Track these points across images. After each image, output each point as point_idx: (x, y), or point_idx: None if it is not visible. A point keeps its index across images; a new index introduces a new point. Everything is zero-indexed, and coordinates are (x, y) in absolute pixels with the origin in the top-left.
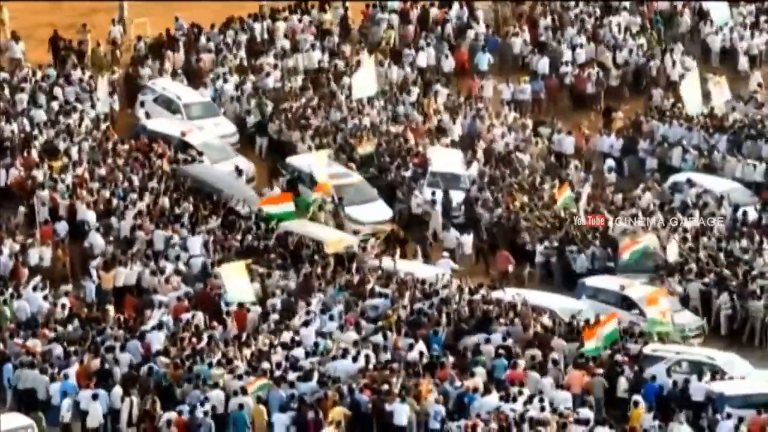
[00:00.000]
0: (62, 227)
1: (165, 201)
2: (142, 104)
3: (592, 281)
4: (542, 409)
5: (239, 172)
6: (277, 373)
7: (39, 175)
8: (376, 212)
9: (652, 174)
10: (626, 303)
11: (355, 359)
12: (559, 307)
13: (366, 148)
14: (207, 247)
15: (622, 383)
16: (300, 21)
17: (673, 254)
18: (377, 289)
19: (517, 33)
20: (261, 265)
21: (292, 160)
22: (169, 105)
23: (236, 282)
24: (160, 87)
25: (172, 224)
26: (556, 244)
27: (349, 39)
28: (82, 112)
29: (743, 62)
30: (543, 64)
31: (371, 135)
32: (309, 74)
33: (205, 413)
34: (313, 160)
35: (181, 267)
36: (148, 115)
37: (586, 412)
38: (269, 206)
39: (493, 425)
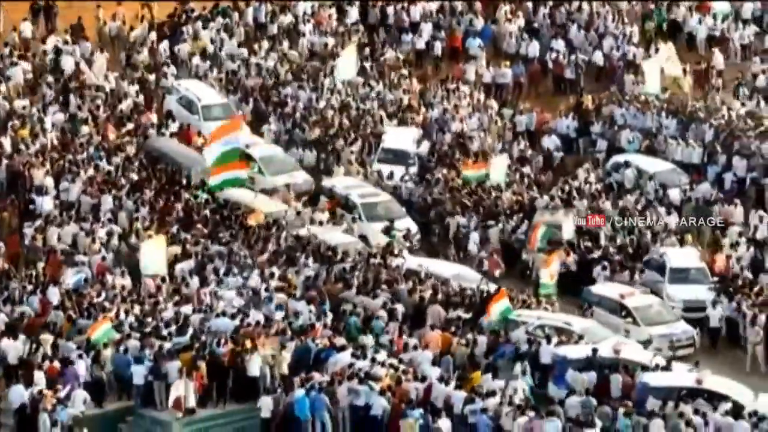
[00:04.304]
0: (46, 202)
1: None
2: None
3: (596, 289)
4: (391, 366)
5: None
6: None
7: (6, 143)
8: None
9: (594, 154)
10: (623, 311)
11: (233, 317)
12: (452, 274)
13: (315, 132)
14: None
15: (480, 346)
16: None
17: (568, 232)
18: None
19: (511, 20)
20: (190, 233)
21: (327, 182)
22: (190, 106)
23: (152, 255)
24: (183, 88)
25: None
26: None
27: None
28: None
29: (736, 51)
30: (533, 48)
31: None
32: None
33: (80, 356)
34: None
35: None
36: (171, 115)
37: (429, 371)
38: (217, 176)
39: (326, 377)
